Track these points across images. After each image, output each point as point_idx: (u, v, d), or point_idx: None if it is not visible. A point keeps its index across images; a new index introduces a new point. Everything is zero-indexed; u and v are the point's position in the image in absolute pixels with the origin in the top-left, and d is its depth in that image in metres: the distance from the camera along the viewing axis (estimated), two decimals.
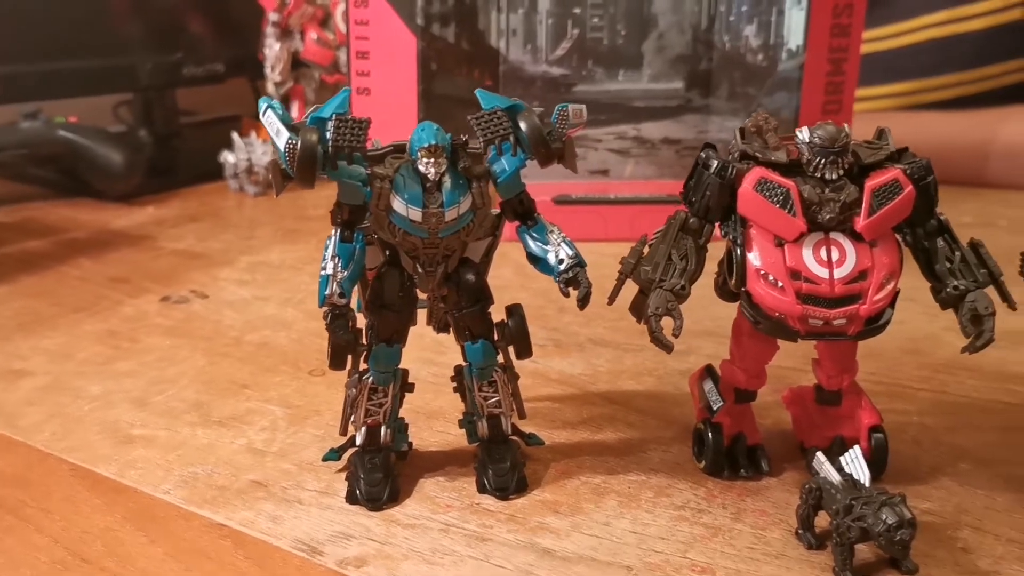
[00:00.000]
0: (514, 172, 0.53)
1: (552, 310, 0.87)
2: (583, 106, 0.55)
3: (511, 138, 0.52)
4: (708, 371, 0.61)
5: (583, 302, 0.54)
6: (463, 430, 0.60)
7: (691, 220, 0.55)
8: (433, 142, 0.51)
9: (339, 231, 0.53)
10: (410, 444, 0.60)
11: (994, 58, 1.54)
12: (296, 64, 1.35)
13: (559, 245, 0.54)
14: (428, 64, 1.09)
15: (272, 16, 1.30)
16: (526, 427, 0.63)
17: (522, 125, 0.52)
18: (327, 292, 0.52)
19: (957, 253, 0.54)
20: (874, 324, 0.53)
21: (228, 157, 1.28)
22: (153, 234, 1.08)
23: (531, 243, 0.54)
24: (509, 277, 0.91)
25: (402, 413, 0.63)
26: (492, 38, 1.12)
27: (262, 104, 0.52)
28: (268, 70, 1.33)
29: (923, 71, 1.56)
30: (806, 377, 0.63)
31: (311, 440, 0.62)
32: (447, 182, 0.52)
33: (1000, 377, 0.72)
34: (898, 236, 0.55)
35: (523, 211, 0.55)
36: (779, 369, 0.69)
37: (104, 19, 1.34)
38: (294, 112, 1.34)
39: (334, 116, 0.50)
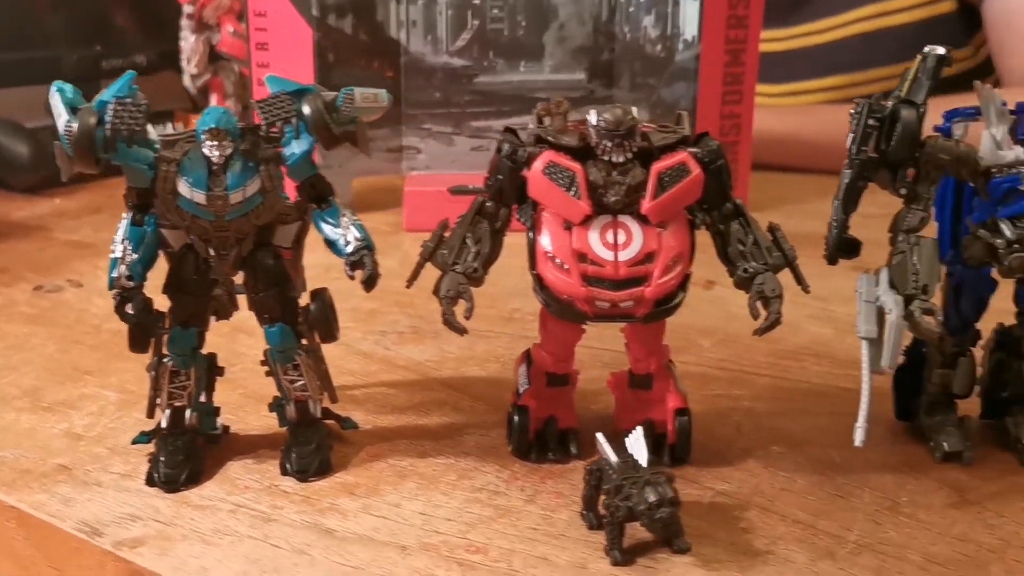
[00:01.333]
0: (302, 156, 0.53)
1: (422, 297, 0.86)
2: (380, 91, 0.55)
3: (293, 121, 0.52)
4: (526, 355, 0.61)
5: (367, 284, 0.54)
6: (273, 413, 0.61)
7: (488, 204, 0.55)
8: (215, 125, 0.51)
9: (131, 214, 0.53)
10: (225, 428, 0.61)
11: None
12: (215, 57, 1.35)
13: (348, 228, 0.54)
14: (325, 55, 1.09)
15: (186, 8, 1.30)
16: (353, 412, 0.63)
17: (304, 109, 0.52)
18: (115, 275, 0.52)
19: (750, 236, 0.55)
20: (664, 306, 0.54)
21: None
22: (49, 225, 1.08)
23: (324, 227, 0.54)
24: (390, 266, 0.91)
25: (233, 397, 0.64)
26: (391, 29, 1.12)
27: (52, 88, 0.52)
28: (184, 63, 1.33)
29: (853, 66, 1.56)
30: None
31: (133, 424, 0.62)
32: (235, 165, 0.52)
33: (847, 364, 0.72)
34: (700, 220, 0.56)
35: (316, 195, 0.55)
36: (619, 354, 0.69)
37: (26, 11, 1.34)
38: (212, 103, 1.35)
39: (114, 99, 0.50)
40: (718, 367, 0.73)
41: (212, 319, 0.58)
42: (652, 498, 0.47)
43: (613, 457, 0.50)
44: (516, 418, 0.58)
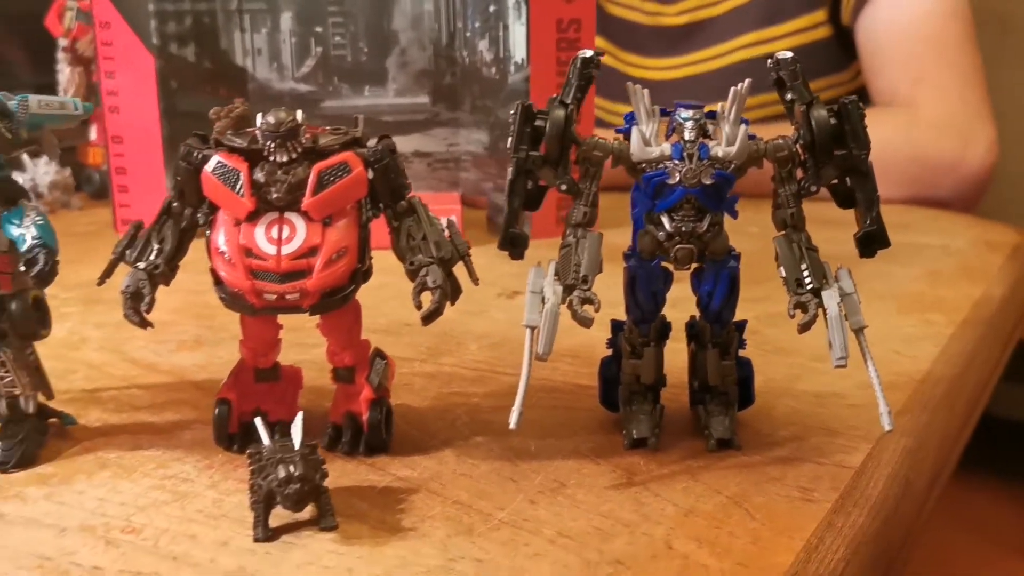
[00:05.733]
0: None
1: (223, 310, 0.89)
2: (69, 99, 0.58)
3: None
4: None
5: (39, 280, 0.57)
6: None
7: (174, 204, 0.58)
8: None
9: None
10: None
11: None
12: (96, 89, 1.39)
13: (29, 227, 0.57)
14: (168, 82, 1.13)
15: (61, 41, 1.35)
16: (91, 410, 0.66)
17: None
18: None
19: (421, 232, 0.58)
20: (331, 297, 0.56)
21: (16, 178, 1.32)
22: None
23: (9, 227, 0.57)
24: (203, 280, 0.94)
25: None
26: (237, 57, 1.16)
27: None
28: (61, 94, 1.37)
29: None
30: None
31: None
32: None
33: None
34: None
35: (4, 198, 0.58)
36: None
37: None
38: (93, 135, 1.38)
39: None
40: (471, 368, 0.75)
41: None
42: (282, 474, 0.50)
43: (266, 440, 0.53)
44: (216, 410, 0.61)
